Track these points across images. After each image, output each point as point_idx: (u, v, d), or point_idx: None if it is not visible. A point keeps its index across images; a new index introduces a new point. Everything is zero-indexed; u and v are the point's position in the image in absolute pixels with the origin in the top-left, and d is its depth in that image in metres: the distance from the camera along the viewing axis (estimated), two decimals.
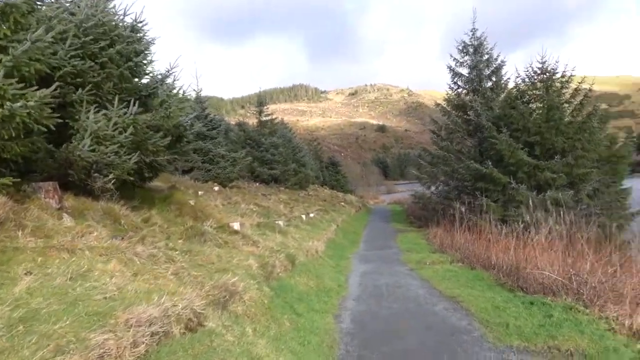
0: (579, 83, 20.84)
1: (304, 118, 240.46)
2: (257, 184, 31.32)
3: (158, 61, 13.29)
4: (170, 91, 9.80)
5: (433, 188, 27.96)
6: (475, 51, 26.19)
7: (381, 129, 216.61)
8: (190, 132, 10.72)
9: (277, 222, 14.80)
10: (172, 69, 9.89)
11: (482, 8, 26.32)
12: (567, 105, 20.51)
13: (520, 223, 11.94)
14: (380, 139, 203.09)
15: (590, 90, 20.51)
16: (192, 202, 10.99)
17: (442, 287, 9.55)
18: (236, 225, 10.60)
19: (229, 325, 4.91)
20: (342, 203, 36.34)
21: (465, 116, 26.51)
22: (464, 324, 6.84)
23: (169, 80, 9.87)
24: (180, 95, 10.07)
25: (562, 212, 10.22)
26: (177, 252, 6.48)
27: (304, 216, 19.47)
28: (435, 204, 25.73)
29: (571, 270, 7.51)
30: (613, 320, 6.09)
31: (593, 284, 6.94)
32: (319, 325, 6.64)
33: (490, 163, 19.64)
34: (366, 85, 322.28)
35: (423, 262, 13.03)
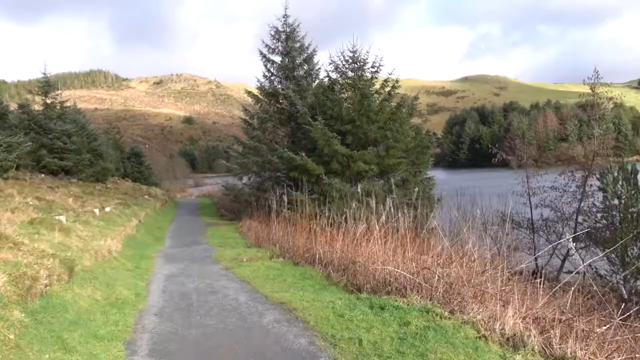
0: (385, 80, 21.14)
1: (104, 106, 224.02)
2: (44, 175, 26.93)
3: None
4: None
5: (245, 179, 26.83)
6: (287, 38, 25.42)
7: (188, 120, 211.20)
8: None
9: (59, 217, 12.06)
10: None
11: (294, 11, 25.60)
12: (377, 95, 20.66)
13: (340, 214, 11.20)
14: (187, 131, 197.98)
15: (397, 81, 20.90)
16: None
17: (266, 290, 8.00)
18: None
19: None
20: (146, 196, 33.26)
21: (277, 104, 25.75)
22: (304, 343, 5.26)
23: None
24: None
25: (389, 203, 9.64)
26: None
27: (97, 210, 16.64)
28: (248, 196, 24.58)
29: (414, 264, 6.58)
30: (480, 325, 5.11)
31: (448, 280, 6.03)
32: None
33: (304, 153, 18.89)
34: (172, 75, 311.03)
35: (239, 259, 11.47)
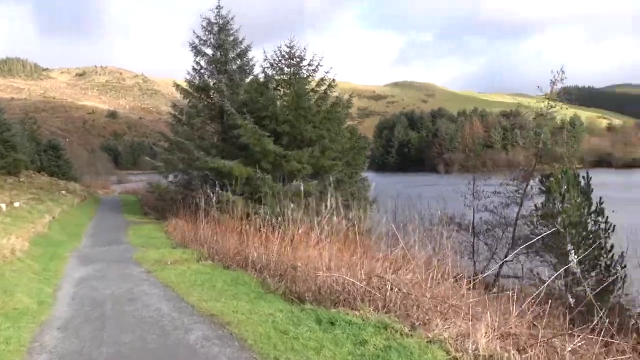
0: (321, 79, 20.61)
1: (21, 96, 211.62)
2: None
3: None
4: None
5: (172, 177, 25.54)
6: (220, 30, 24.36)
7: (113, 114, 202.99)
8: None
9: None
10: None
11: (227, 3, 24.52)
12: (313, 94, 20.12)
13: (274, 214, 10.55)
14: (111, 125, 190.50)
15: (334, 80, 20.45)
16: None
17: (194, 298, 7.11)
18: None
19: None
20: (64, 192, 31.16)
21: (208, 99, 24.66)
22: None
23: None
24: None
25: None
26: None
27: (4, 206, 15.09)
28: (174, 194, 23.36)
29: (362, 270, 5.97)
30: (449, 344, 4.44)
31: (404, 290, 5.43)
32: None
33: (231, 160, 17.99)
34: (96, 67, 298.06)
35: (163, 262, 10.50)
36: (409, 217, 9.77)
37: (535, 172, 12.74)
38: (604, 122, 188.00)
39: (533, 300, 5.78)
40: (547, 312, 5.73)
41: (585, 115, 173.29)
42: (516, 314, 5.14)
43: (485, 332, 4.49)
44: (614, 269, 9.65)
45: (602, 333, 4.79)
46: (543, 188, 10.85)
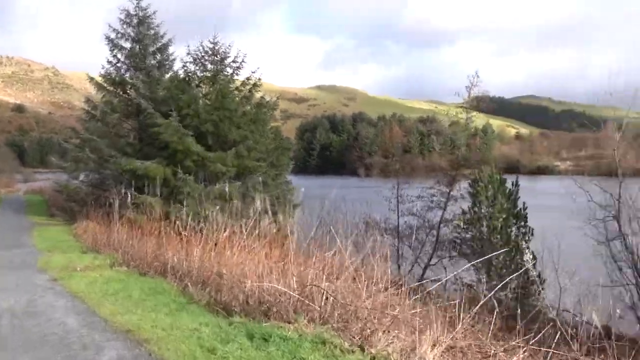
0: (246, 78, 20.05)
1: None
2: None
3: None
4: None
5: (82, 176, 24.02)
6: (140, 23, 23.16)
7: (19, 108, 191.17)
8: None
9: None
10: None
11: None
12: (237, 92, 19.52)
13: (195, 217, 9.94)
14: (17, 120, 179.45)
15: (259, 79, 19.94)
16: None
17: (106, 310, 6.34)
18: None
19: None
20: None
21: (125, 95, 23.38)
22: None
23: None
24: None
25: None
26: None
27: None
28: (84, 194, 21.92)
29: (294, 279, 5.52)
30: None
31: (341, 300, 5.03)
32: None
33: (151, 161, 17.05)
34: (1, 57, 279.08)
35: (72, 268, 9.59)
36: (336, 220, 9.48)
37: (458, 176, 12.92)
38: (512, 131, 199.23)
39: (467, 308, 5.61)
40: (483, 321, 5.61)
41: (496, 123, 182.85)
42: (453, 325, 4.93)
43: (434, 346, 4.22)
44: (533, 273, 9.86)
45: (547, 344, 4.68)
46: (471, 191, 10.96)
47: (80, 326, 5.73)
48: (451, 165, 13.95)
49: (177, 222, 10.18)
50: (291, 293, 5.40)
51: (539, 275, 9.83)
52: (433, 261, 10.98)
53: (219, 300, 6.39)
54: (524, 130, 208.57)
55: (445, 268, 11.24)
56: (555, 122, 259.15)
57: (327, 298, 5.13)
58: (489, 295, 5.75)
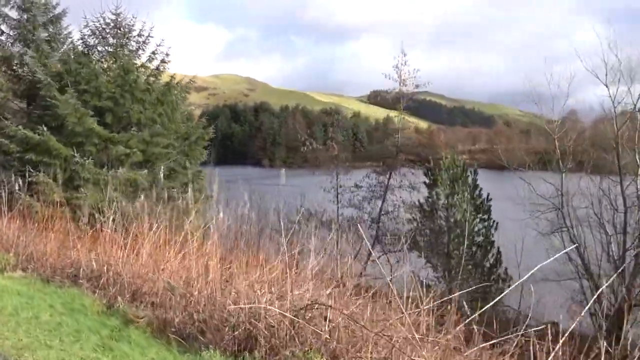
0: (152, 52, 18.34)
1: None
2: None
3: None
4: None
5: None
6: None
7: None
8: None
9: None
10: None
11: None
12: (143, 69, 17.78)
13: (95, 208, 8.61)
14: None
15: (167, 55, 18.26)
16: None
17: (7, 342, 4.30)
18: None
19: None
20: None
21: (11, 71, 20.78)
22: None
23: None
24: None
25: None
26: None
27: None
28: None
29: (273, 291, 4.44)
30: None
31: (348, 325, 3.97)
32: None
33: (47, 130, 15.06)
34: None
35: None
36: (269, 214, 8.56)
37: (396, 164, 12.42)
38: (411, 124, 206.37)
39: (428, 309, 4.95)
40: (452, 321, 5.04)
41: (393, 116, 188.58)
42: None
43: None
44: (497, 269, 9.54)
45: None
46: (427, 181, 10.38)
47: None
48: (388, 155, 13.44)
49: (82, 214, 8.76)
50: (288, 315, 4.11)
51: (505, 272, 9.51)
52: (375, 255, 10.30)
53: (168, 322, 4.92)
54: (423, 124, 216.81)
55: (389, 262, 10.62)
56: (448, 118, 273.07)
57: (328, 322, 3.96)
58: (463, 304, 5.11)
